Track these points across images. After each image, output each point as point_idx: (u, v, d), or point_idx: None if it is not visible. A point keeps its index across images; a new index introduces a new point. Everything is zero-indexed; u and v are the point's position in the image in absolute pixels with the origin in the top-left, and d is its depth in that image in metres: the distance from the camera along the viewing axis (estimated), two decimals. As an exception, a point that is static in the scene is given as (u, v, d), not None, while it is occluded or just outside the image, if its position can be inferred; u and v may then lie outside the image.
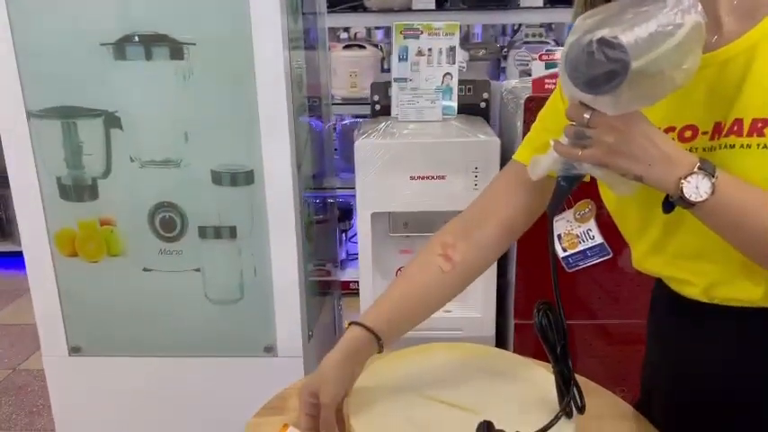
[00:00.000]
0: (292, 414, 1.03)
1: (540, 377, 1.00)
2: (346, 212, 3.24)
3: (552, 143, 0.79)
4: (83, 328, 1.86)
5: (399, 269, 1.84)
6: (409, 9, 3.03)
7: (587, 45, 0.69)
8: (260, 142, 1.66)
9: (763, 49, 0.77)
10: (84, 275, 1.81)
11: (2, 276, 3.79)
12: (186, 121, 1.68)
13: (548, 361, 0.90)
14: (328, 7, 2.49)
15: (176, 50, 1.62)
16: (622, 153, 0.74)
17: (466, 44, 3.41)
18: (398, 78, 1.92)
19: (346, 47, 3.09)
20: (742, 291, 0.84)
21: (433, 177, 1.76)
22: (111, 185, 1.74)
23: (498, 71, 3.24)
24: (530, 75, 1.90)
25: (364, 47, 3.06)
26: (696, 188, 0.72)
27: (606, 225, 1.68)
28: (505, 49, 3.31)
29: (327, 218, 2.49)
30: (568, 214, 1.70)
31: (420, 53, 1.90)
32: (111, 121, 1.68)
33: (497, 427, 0.84)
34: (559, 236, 1.73)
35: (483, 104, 2.04)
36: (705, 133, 0.82)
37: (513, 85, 1.95)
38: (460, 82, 1.94)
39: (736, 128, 0.79)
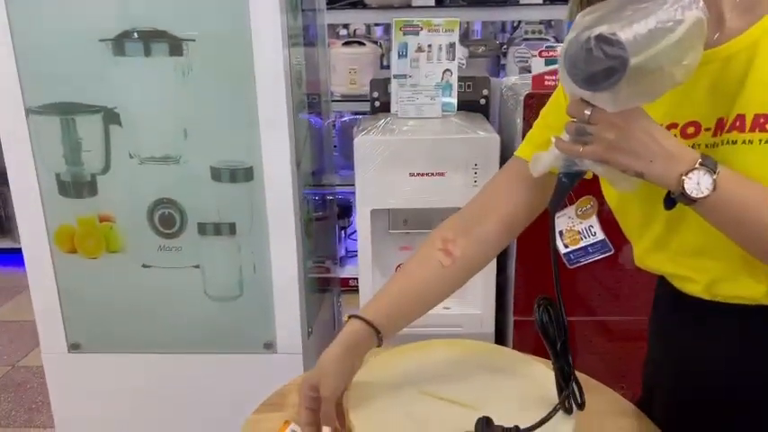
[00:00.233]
0: (291, 410, 1.03)
1: (540, 373, 1.00)
2: (346, 209, 3.24)
3: (553, 140, 0.79)
4: (82, 324, 1.86)
5: (399, 266, 1.84)
6: (409, 6, 3.03)
7: (586, 42, 0.68)
8: (259, 139, 1.66)
9: (764, 46, 0.77)
10: (83, 272, 1.81)
11: (1, 273, 3.78)
12: (185, 117, 1.68)
13: (547, 357, 0.90)
14: (328, 4, 2.48)
15: (175, 47, 1.61)
16: (623, 149, 0.74)
17: (465, 41, 3.41)
18: (398, 75, 1.92)
19: (346, 43, 3.09)
20: (744, 288, 0.84)
21: (432, 174, 1.76)
22: (110, 182, 1.73)
23: (498, 68, 3.24)
24: (529, 71, 1.89)
25: (364, 43, 3.05)
26: (697, 184, 0.72)
27: (608, 221, 1.68)
28: (505, 46, 3.31)
29: (327, 215, 2.49)
30: (570, 211, 1.70)
31: (420, 50, 1.89)
32: (110, 117, 1.67)
33: (496, 423, 0.84)
34: (561, 232, 1.72)
35: (483, 101, 2.04)
36: (708, 129, 0.82)
37: (513, 82, 1.95)
38: (460, 79, 1.94)
39: (738, 123, 0.78)
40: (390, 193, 1.78)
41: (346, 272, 2.93)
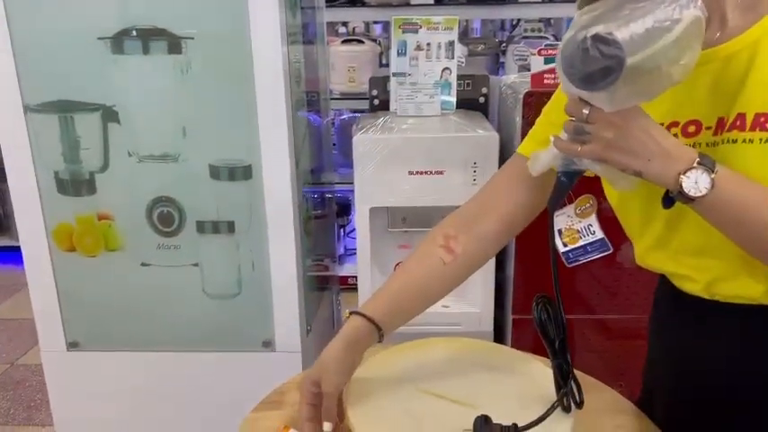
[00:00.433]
0: (290, 409, 1.03)
1: (539, 372, 1.00)
2: (345, 207, 3.24)
3: (552, 139, 0.79)
4: (81, 323, 1.85)
5: (398, 264, 1.84)
6: (408, 4, 3.03)
7: (582, 41, 0.69)
8: (258, 137, 1.66)
9: (765, 44, 0.77)
10: (81, 270, 1.81)
11: (0, 271, 3.78)
12: (184, 115, 1.68)
13: (546, 356, 0.90)
14: (327, 2, 2.48)
15: (174, 45, 1.61)
16: (621, 148, 0.74)
17: (465, 39, 3.41)
18: (397, 73, 1.91)
19: (344, 41, 3.09)
20: (743, 288, 0.84)
21: (431, 172, 1.75)
22: (108, 180, 1.73)
23: (497, 66, 3.24)
24: (528, 70, 1.89)
25: (363, 41, 3.05)
26: (695, 183, 0.72)
27: (607, 220, 1.68)
28: (504, 44, 3.31)
29: (326, 213, 2.49)
30: (569, 209, 1.70)
31: (419, 48, 1.89)
32: (109, 115, 1.67)
33: (495, 421, 0.84)
34: (560, 231, 1.72)
35: (482, 99, 2.03)
36: (708, 128, 0.82)
37: (512, 80, 1.95)
38: (459, 77, 1.94)
39: (738, 122, 0.79)
40: (389, 192, 1.78)
41: (345, 270, 2.93)
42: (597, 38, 0.68)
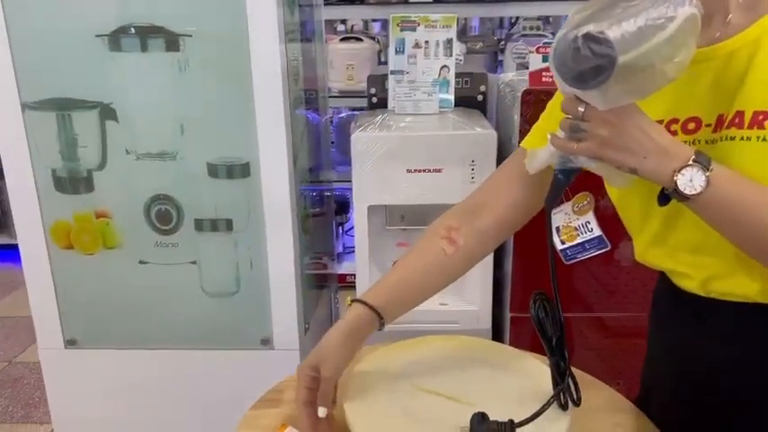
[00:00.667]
0: (288, 406, 1.03)
1: (536, 369, 1.00)
2: (343, 205, 3.23)
3: (549, 136, 0.79)
4: (78, 320, 1.85)
5: (396, 262, 1.84)
6: (407, 1, 3.02)
7: (573, 40, 0.69)
8: (256, 135, 1.66)
9: (765, 43, 0.77)
10: (79, 268, 1.80)
11: (-2, 269, 3.78)
12: (182, 113, 1.67)
13: (544, 354, 0.90)
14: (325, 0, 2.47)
15: (172, 42, 1.61)
16: (617, 146, 0.74)
17: (463, 37, 3.40)
18: (395, 71, 1.92)
19: (343, 39, 3.08)
20: (739, 286, 0.84)
21: (429, 170, 1.75)
22: (106, 178, 1.73)
23: (495, 64, 3.23)
24: (527, 68, 1.89)
25: (361, 39, 3.05)
26: (690, 181, 0.72)
27: (604, 218, 1.68)
28: (503, 42, 3.31)
29: (324, 211, 2.48)
30: (567, 207, 1.70)
31: (417, 45, 1.89)
32: (107, 112, 1.67)
33: (492, 418, 0.84)
34: (558, 228, 1.73)
35: (480, 97, 2.04)
36: (708, 126, 0.82)
37: (511, 78, 1.95)
38: (457, 75, 1.94)
39: (737, 120, 0.79)
40: (387, 190, 1.78)
41: (343, 268, 2.93)
42: (588, 36, 0.68)
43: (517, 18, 3.53)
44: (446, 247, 1.01)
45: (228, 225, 1.75)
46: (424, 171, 1.76)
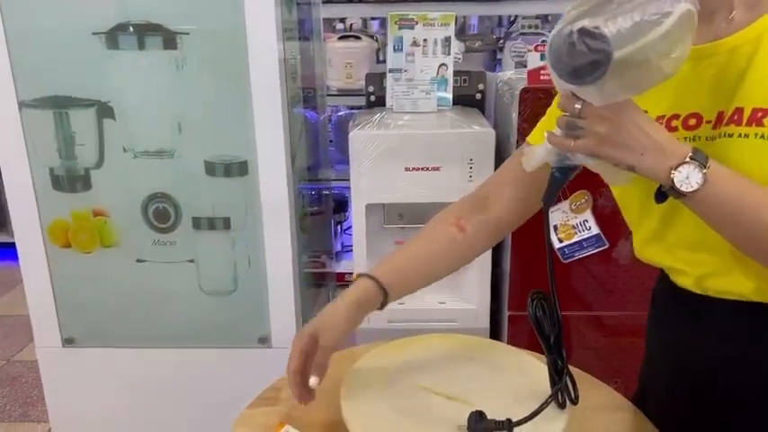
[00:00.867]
0: (285, 405, 1.03)
1: (534, 368, 1.00)
2: (342, 204, 3.23)
3: (546, 134, 0.79)
4: (76, 319, 1.85)
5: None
6: (405, 0, 3.01)
7: (568, 36, 0.68)
8: (254, 133, 1.66)
9: (766, 40, 0.77)
10: (77, 267, 1.80)
11: (-4, 267, 3.78)
12: (179, 111, 1.67)
13: (542, 352, 0.90)
14: (323, -2, 2.47)
15: (169, 40, 1.60)
16: (614, 143, 0.74)
17: (462, 35, 3.40)
18: (393, 69, 1.91)
19: (342, 38, 3.08)
20: (734, 284, 0.84)
21: (427, 169, 1.75)
22: (104, 176, 1.73)
23: (494, 62, 3.23)
24: (525, 66, 1.89)
25: (360, 38, 3.04)
26: (687, 178, 0.72)
27: (602, 216, 1.68)
28: (502, 41, 3.30)
29: (322, 209, 2.48)
30: (564, 205, 1.70)
31: (415, 44, 1.89)
32: (104, 111, 1.67)
33: (489, 417, 0.84)
34: (555, 227, 1.72)
35: (478, 96, 2.03)
36: (708, 122, 0.82)
37: (509, 77, 1.95)
38: (456, 73, 1.94)
39: (736, 117, 0.78)
40: (385, 188, 1.77)
41: (342, 266, 2.92)
42: (583, 32, 0.67)
43: (516, 16, 3.52)
44: (455, 234, 1.02)
45: (226, 223, 1.75)
46: (423, 169, 1.75)
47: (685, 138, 0.83)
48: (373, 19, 3.96)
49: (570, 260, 1.74)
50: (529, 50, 1.95)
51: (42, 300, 1.82)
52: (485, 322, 1.89)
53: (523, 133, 1.68)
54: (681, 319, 0.94)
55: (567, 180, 0.81)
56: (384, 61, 2.03)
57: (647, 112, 0.85)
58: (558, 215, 1.71)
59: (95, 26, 1.60)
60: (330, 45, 2.95)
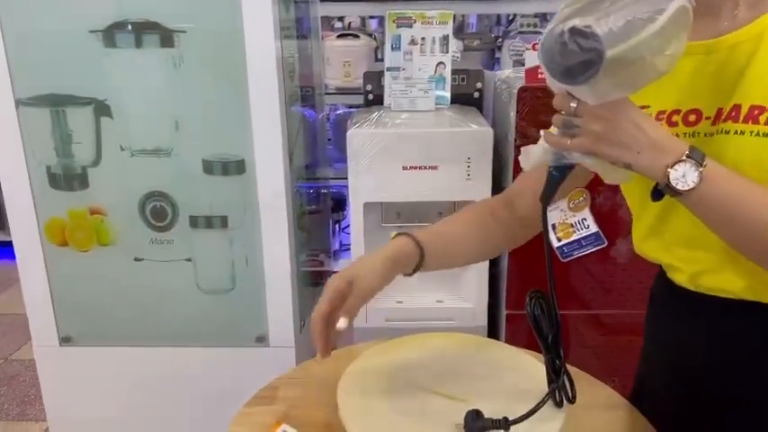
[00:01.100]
0: (283, 404, 1.03)
1: (532, 367, 1.00)
2: (340, 203, 3.22)
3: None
4: (74, 318, 1.85)
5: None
6: (404, -3, 3.00)
7: (560, 35, 0.68)
8: (251, 131, 1.65)
9: (767, 39, 0.77)
10: (74, 265, 1.80)
11: (-7, 266, 3.77)
12: (177, 109, 1.67)
13: (539, 352, 0.90)
14: (321, -4, 2.46)
15: (167, 38, 1.60)
16: (610, 141, 0.73)
17: (460, 34, 3.39)
18: (391, 68, 1.91)
19: (340, 36, 3.07)
20: (726, 282, 0.84)
21: (425, 167, 1.75)
22: (101, 174, 1.72)
23: (493, 61, 3.23)
24: (523, 65, 1.89)
25: (358, 36, 3.04)
26: (683, 176, 0.72)
27: (601, 214, 1.68)
28: (500, 39, 3.30)
29: (320, 208, 2.48)
30: (562, 204, 1.70)
31: (413, 42, 1.89)
32: (101, 109, 1.66)
33: (486, 416, 0.84)
34: (554, 225, 1.72)
35: (476, 94, 2.03)
36: (708, 118, 0.82)
37: (507, 75, 1.95)
38: (454, 72, 1.93)
39: (734, 113, 0.78)
40: (383, 187, 1.77)
41: (340, 265, 2.92)
42: (575, 31, 0.67)
43: (514, 15, 3.52)
44: (489, 221, 1.03)
45: (224, 222, 1.75)
46: (421, 168, 1.75)
47: (685, 133, 0.83)
48: (372, 17, 3.95)
49: (569, 259, 1.74)
50: (527, 49, 1.96)
51: (39, 298, 1.82)
52: (482, 321, 1.89)
53: (522, 132, 1.68)
54: (677, 316, 0.95)
55: (564, 179, 0.81)
56: (382, 60, 2.03)
57: (648, 107, 0.85)
58: (556, 214, 1.70)
59: (93, 24, 1.60)
60: (328, 43, 2.94)
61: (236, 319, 1.83)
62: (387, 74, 1.91)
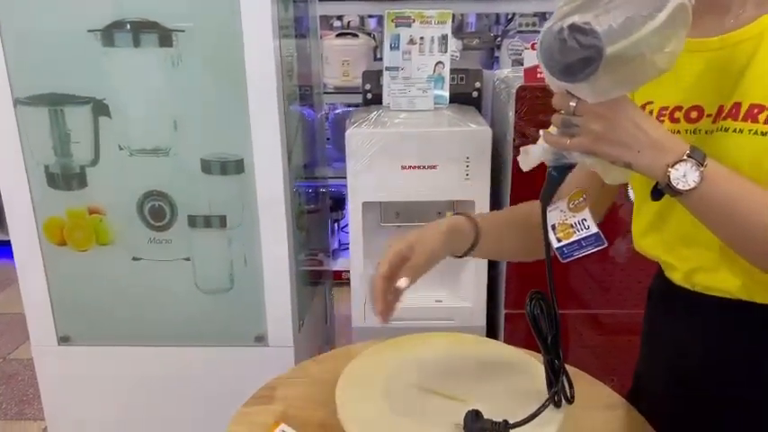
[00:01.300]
0: (281, 404, 1.03)
1: (531, 367, 1.00)
2: (339, 202, 3.23)
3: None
4: (72, 317, 1.85)
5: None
6: (403, -3, 3.00)
7: (559, 32, 0.67)
8: (250, 131, 1.65)
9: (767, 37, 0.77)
10: (72, 264, 1.80)
11: (-8, 265, 3.77)
12: (175, 109, 1.66)
13: (538, 351, 0.90)
14: (320, -5, 2.46)
15: (165, 37, 1.60)
16: (610, 140, 0.73)
17: (460, 33, 3.39)
18: (390, 67, 1.91)
19: (339, 35, 3.07)
20: (721, 280, 0.84)
21: (424, 167, 1.75)
22: (99, 174, 1.72)
23: (492, 60, 3.23)
24: (522, 64, 1.89)
25: (357, 35, 3.04)
26: (683, 176, 0.71)
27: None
28: (499, 39, 3.30)
29: (319, 207, 2.48)
30: (562, 204, 1.69)
31: (412, 42, 1.88)
32: (100, 108, 1.66)
33: (486, 416, 0.84)
34: (553, 226, 1.72)
35: (475, 94, 2.03)
36: (709, 116, 0.82)
37: (506, 75, 1.95)
38: (453, 71, 1.93)
39: (733, 111, 0.78)
40: (382, 186, 1.77)
41: (339, 264, 2.93)
42: (574, 28, 0.66)
43: (513, 14, 3.52)
44: (534, 220, 1.03)
45: (222, 221, 1.75)
46: (419, 168, 1.75)
47: (686, 130, 0.83)
48: (370, 16, 3.96)
49: (569, 260, 1.73)
50: (526, 48, 1.95)
51: (38, 298, 1.81)
52: (481, 320, 1.89)
53: (521, 131, 1.68)
54: (674, 315, 0.95)
55: (564, 178, 0.81)
56: (381, 59, 2.03)
57: (651, 102, 0.85)
58: (555, 214, 1.69)
59: (91, 23, 1.60)
60: (327, 42, 2.94)
61: (234, 318, 1.83)
62: (385, 73, 1.91)
